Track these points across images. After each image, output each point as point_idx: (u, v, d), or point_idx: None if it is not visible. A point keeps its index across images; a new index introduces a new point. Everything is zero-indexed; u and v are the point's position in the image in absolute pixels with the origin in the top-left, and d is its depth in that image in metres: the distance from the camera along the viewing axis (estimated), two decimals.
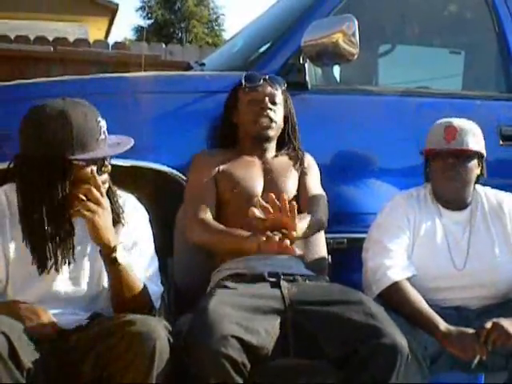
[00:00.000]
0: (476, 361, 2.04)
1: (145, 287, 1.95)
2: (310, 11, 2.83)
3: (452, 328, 2.07)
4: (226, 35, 18.82)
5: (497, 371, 2.27)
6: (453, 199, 2.34)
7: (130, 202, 2.07)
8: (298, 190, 2.41)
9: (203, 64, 3.48)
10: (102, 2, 12.04)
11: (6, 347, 1.67)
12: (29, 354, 1.72)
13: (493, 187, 2.46)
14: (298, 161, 2.45)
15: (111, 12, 12.43)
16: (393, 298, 2.17)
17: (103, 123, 1.90)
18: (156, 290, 2.02)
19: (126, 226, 2.01)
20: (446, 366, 2.17)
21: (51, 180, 1.84)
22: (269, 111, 2.40)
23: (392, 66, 3.45)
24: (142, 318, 1.79)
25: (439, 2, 3.25)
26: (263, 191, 2.34)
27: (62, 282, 1.92)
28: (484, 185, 2.45)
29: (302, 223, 2.19)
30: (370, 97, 2.86)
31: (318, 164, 2.49)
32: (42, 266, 1.87)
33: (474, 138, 2.32)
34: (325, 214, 2.36)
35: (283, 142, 2.50)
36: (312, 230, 2.27)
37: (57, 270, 1.89)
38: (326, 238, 2.50)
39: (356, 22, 2.50)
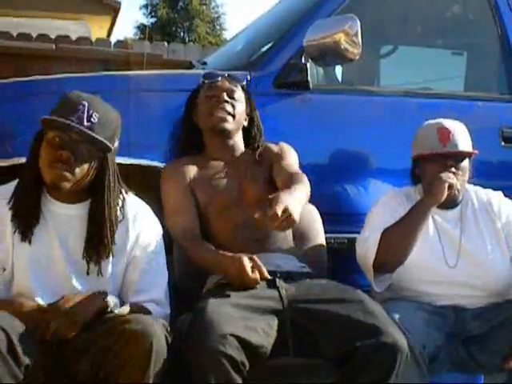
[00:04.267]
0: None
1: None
2: (313, 11, 2.82)
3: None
4: (228, 34, 18.83)
5: (495, 372, 2.28)
6: (449, 199, 2.33)
7: (141, 212, 2.08)
8: (274, 178, 2.34)
9: (205, 63, 3.48)
10: (105, 1, 12.02)
11: (5, 343, 1.68)
12: (27, 351, 1.73)
13: (494, 189, 2.46)
14: (261, 154, 2.42)
15: (114, 10, 12.41)
16: (386, 242, 2.18)
17: (87, 111, 1.89)
18: (161, 312, 2.00)
19: (134, 229, 2.02)
20: (444, 365, 2.18)
21: (30, 148, 1.96)
22: (225, 104, 2.37)
23: (394, 67, 3.45)
24: (138, 317, 1.80)
25: (441, 3, 3.24)
26: (236, 194, 2.32)
27: (68, 277, 1.93)
28: (485, 186, 2.45)
29: (295, 198, 2.05)
30: (371, 97, 2.86)
31: (320, 164, 2.49)
32: (23, 234, 1.90)
33: (466, 139, 2.35)
34: (306, 186, 2.24)
35: (249, 143, 2.47)
36: (302, 200, 2.15)
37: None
38: (327, 238, 2.51)
39: (358, 22, 2.50)
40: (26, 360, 1.71)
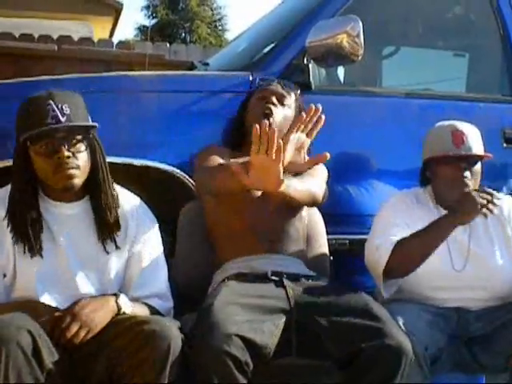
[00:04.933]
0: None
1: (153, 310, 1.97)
2: (315, 12, 2.82)
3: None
4: (230, 35, 18.83)
5: (497, 372, 2.28)
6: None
7: (138, 206, 2.08)
8: None
9: (207, 64, 3.48)
10: (107, 1, 12.03)
11: (31, 345, 1.68)
12: (51, 356, 1.73)
13: (495, 190, 2.45)
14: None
15: (116, 11, 12.42)
16: (400, 252, 2.13)
17: (56, 107, 1.89)
18: (165, 306, 2.02)
19: (133, 224, 2.03)
20: (446, 366, 2.18)
21: (15, 163, 1.95)
22: (271, 106, 2.37)
23: (396, 68, 3.45)
24: (155, 318, 1.82)
25: (444, 4, 3.24)
26: (264, 193, 2.30)
27: (75, 281, 1.93)
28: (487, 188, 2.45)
29: (294, 181, 2.12)
30: (373, 98, 2.86)
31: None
32: (30, 250, 1.89)
33: (479, 142, 2.32)
34: (321, 189, 2.30)
35: None
36: (301, 193, 2.18)
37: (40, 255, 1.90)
38: (329, 239, 2.51)
39: (360, 23, 2.50)
40: (49, 365, 1.72)
